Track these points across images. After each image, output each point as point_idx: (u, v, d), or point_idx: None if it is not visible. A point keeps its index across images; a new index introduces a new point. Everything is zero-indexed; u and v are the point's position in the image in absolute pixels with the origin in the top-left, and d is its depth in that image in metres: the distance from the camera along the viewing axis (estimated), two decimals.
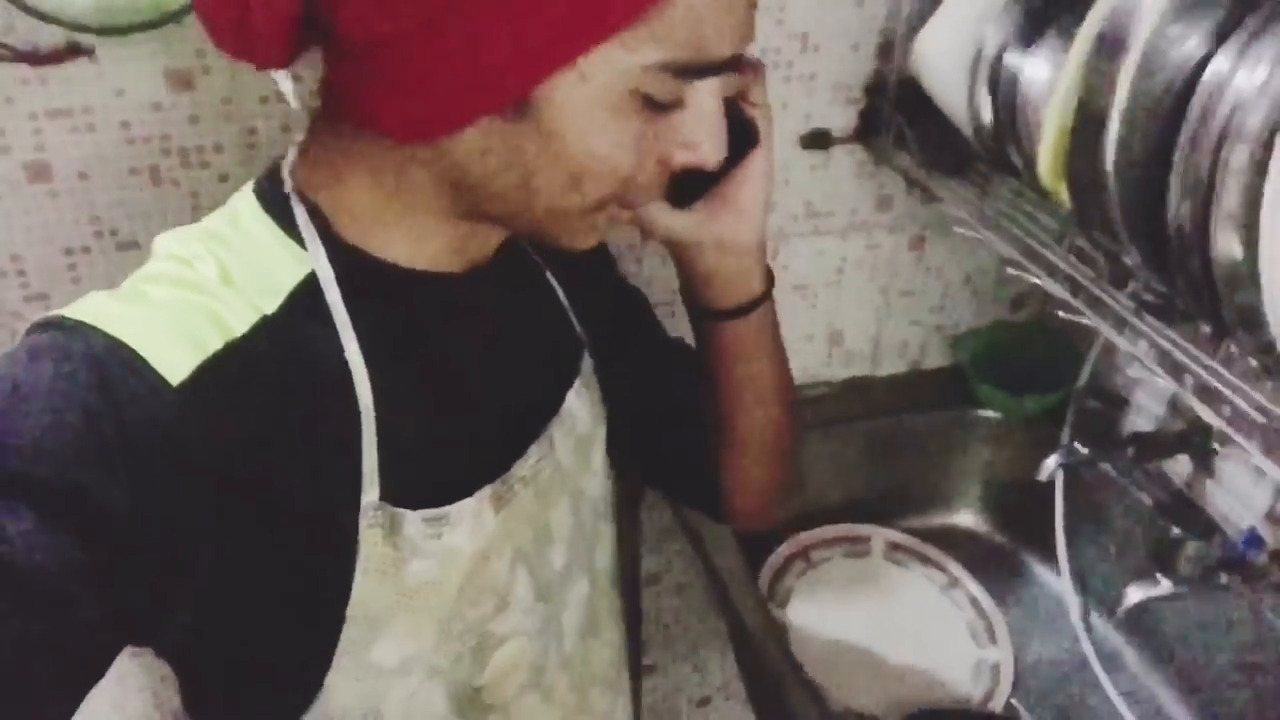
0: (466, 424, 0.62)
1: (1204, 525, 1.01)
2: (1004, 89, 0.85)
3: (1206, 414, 0.77)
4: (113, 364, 0.48)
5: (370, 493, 0.55)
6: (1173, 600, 1.04)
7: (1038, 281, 0.93)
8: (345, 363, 0.55)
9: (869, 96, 1.16)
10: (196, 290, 0.52)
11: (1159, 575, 0.98)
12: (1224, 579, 0.98)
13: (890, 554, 1.29)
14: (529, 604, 0.66)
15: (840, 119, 1.17)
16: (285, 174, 0.58)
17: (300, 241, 0.56)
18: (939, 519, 1.38)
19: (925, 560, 1.28)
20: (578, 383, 0.71)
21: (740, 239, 0.69)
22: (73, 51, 0.87)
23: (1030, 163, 0.81)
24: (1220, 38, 0.62)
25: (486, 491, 0.61)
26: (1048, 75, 0.80)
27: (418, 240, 0.59)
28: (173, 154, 0.95)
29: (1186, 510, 1.05)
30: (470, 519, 0.60)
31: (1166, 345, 0.79)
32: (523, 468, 0.64)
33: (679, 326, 0.79)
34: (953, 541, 1.32)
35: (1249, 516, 1.03)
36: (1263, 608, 0.99)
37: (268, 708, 0.60)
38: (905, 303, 1.35)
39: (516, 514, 0.63)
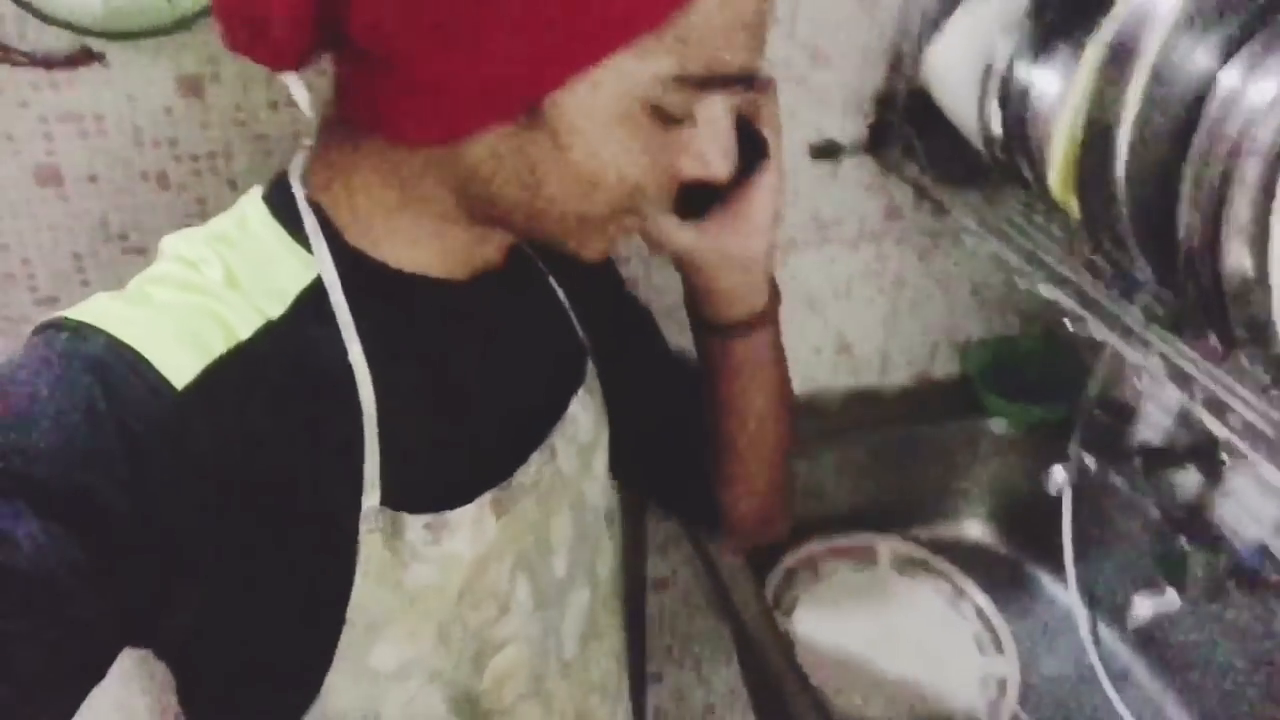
0: (469, 430, 0.62)
1: (1213, 538, 1.01)
2: (1014, 101, 0.85)
3: (1215, 426, 0.76)
4: (117, 366, 0.48)
5: (371, 497, 0.55)
6: (1181, 614, 1.03)
7: (1047, 293, 0.93)
8: (349, 368, 0.55)
9: (879, 108, 1.16)
10: (202, 293, 0.52)
11: (1167, 588, 0.98)
12: (1233, 592, 0.98)
13: (897, 565, 1.29)
14: (529, 610, 0.66)
15: (850, 130, 1.17)
16: (294, 178, 0.58)
17: (307, 246, 0.56)
18: (946, 530, 1.37)
19: (932, 571, 1.28)
20: (581, 390, 0.71)
21: (748, 254, 0.69)
22: (85, 57, 0.88)
23: (1040, 174, 0.81)
24: (1231, 51, 0.62)
25: (488, 497, 0.61)
26: (1058, 87, 0.80)
27: (425, 246, 0.59)
28: (182, 159, 0.96)
29: (1195, 523, 1.05)
30: (471, 525, 0.60)
31: (1175, 357, 0.78)
32: (525, 474, 0.64)
33: (687, 336, 0.79)
34: (960, 553, 1.31)
35: (1258, 529, 1.02)
36: (1272, 621, 0.98)
37: (266, 709, 0.60)
38: (914, 313, 1.35)
39: (518, 520, 0.63)
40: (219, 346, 0.51)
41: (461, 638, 0.62)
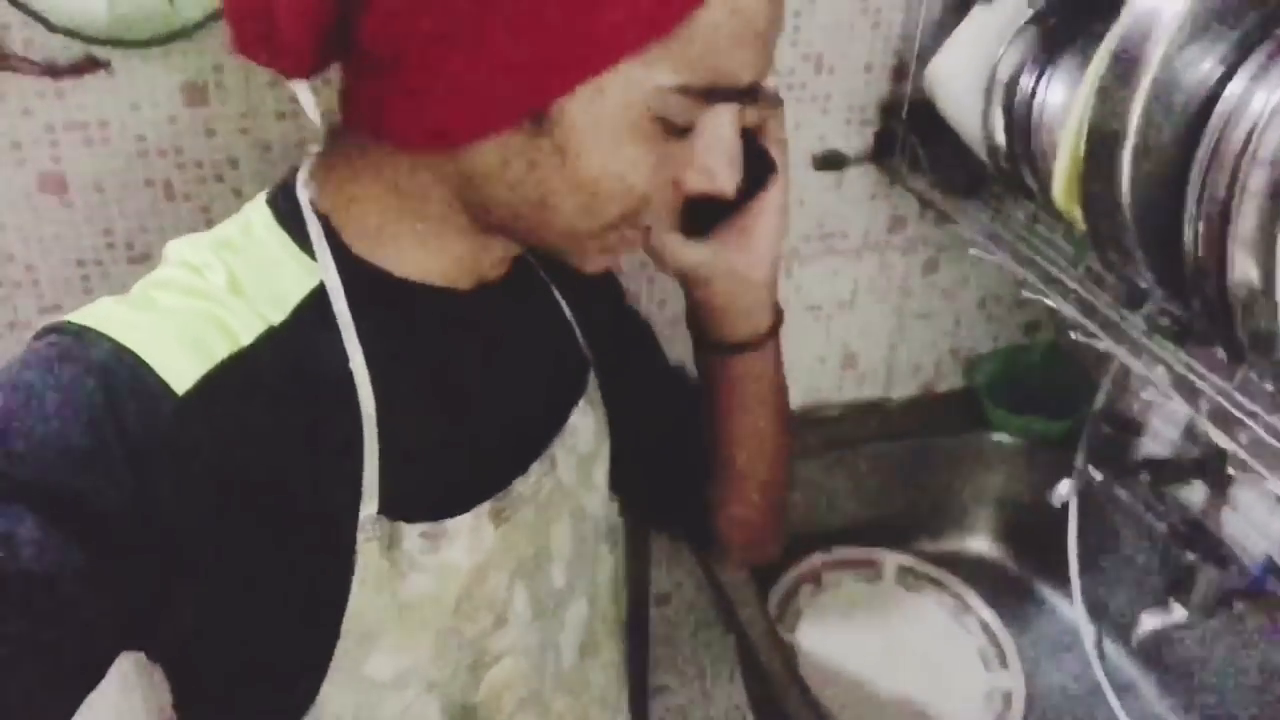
0: (469, 439, 0.62)
1: (1219, 553, 1.00)
2: (1018, 111, 0.85)
3: (1222, 439, 0.76)
4: (118, 371, 0.48)
5: (370, 505, 0.55)
6: (1187, 629, 1.02)
7: (1052, 304, 0.92)
8: (350, 375, 0.55)
9: (883, 118, 1.16)
10: (205, 298, 0.52)
11: (1173, 603, 0.97)
12: (1239, 608, 0.97)
13: (901, 578, 1.28)
14: (527, 621, 0.66)
15: (854, 140, 1.17)
16: (299, 185, 0.58)
17: (311, 252, 0.56)
18: (951, 543, 1.36)
19: (937, 585, 1.27)
20: (583, 401, 0.71)
21: (752, 273, 0.69)
22: (90, 65, 0.88)
23: (1045, 185, 0.81)
24: (1236, 60, 0.62)
25: (486, 507, 0.61)
26: (1062, 97, 0.80)
27: (429, 254, 0.59)
28: (187, 168, 0.96)
29: (1202, 537, 1.04)
30: (468, 534, 0.60)
31: (1182, 369, 0.78)
32: (523, 484, 0.64)
33: (688, 349, 0.78)
34: (965, 566, 1.30)
35: (1265, 544, 1.02)
36: (1278, 636, 0.98)
37: (262, 717, 0.59)
38: (919, 325, 1.34)
39: (517, 530, 0.63)
40: (221, 352, 0.51)
41: (458, 647, 0.61)
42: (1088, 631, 1.18)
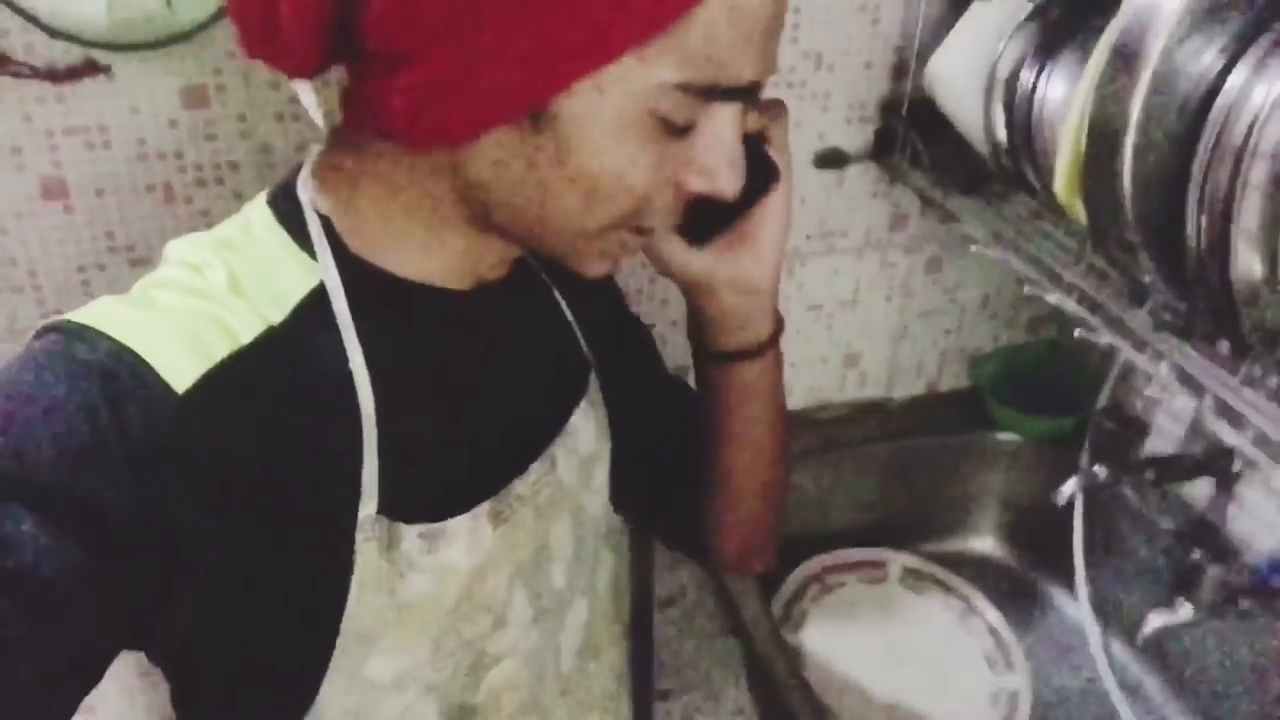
0: (469, 439, 0.62)
1: (1225, 550, 1.00)
2: (1019, 107, 0.85)
3: (1228, 435, 0.76)
4: (118, 370, 0.48)
5: (369, 505, 0.55)
6: (1194, 627, 1.02)
7: (1055, 301, 0.92)
8: (349, 375, 0.55)
9: (883, 115, 1.16)
10: (205, 298, 0.52)
11: (1180, 601, 0.97)
12: (1246, 605, 0.96)
13: (906, 579, 1.28)
14: (527, 622, 0.65)
15: (855, 138, 1.17)
16: (300, 185, 0.58)
17: (311, 252, 0.56)
18: (956, 544, 1.36)
19: (941, 586, 1.27)
20: (584, 402, 0.71)
21: (754, 280, 0.68)
22: (90, 69, 0.88)
23: (1046, 180, 0.81)
24: (1237, 53, 0.62)
25: (484, 508, 0.61)
26: (1063, 92, 0.80)
27: (428, 254, 0.59)
28: (187, 171, 0.96)
29: (1207, 535, 1.04)
30: (467, 535, 0.59)
31: (1186, 364, 0.77)
32: (522, 485, 0.64)
33: (688, 355, 0.78)
34: (969, 566, 1.30)
35: (1272, 541, 1.01)
36: None
37: (261, 717, 0.59)
38: (921, 323, 1.34)
39: (516, 530, 0.63)
40: (221, 351, 0.51)
41: (457, 649, 0.61)
42: (1094, 631, 1.17)
